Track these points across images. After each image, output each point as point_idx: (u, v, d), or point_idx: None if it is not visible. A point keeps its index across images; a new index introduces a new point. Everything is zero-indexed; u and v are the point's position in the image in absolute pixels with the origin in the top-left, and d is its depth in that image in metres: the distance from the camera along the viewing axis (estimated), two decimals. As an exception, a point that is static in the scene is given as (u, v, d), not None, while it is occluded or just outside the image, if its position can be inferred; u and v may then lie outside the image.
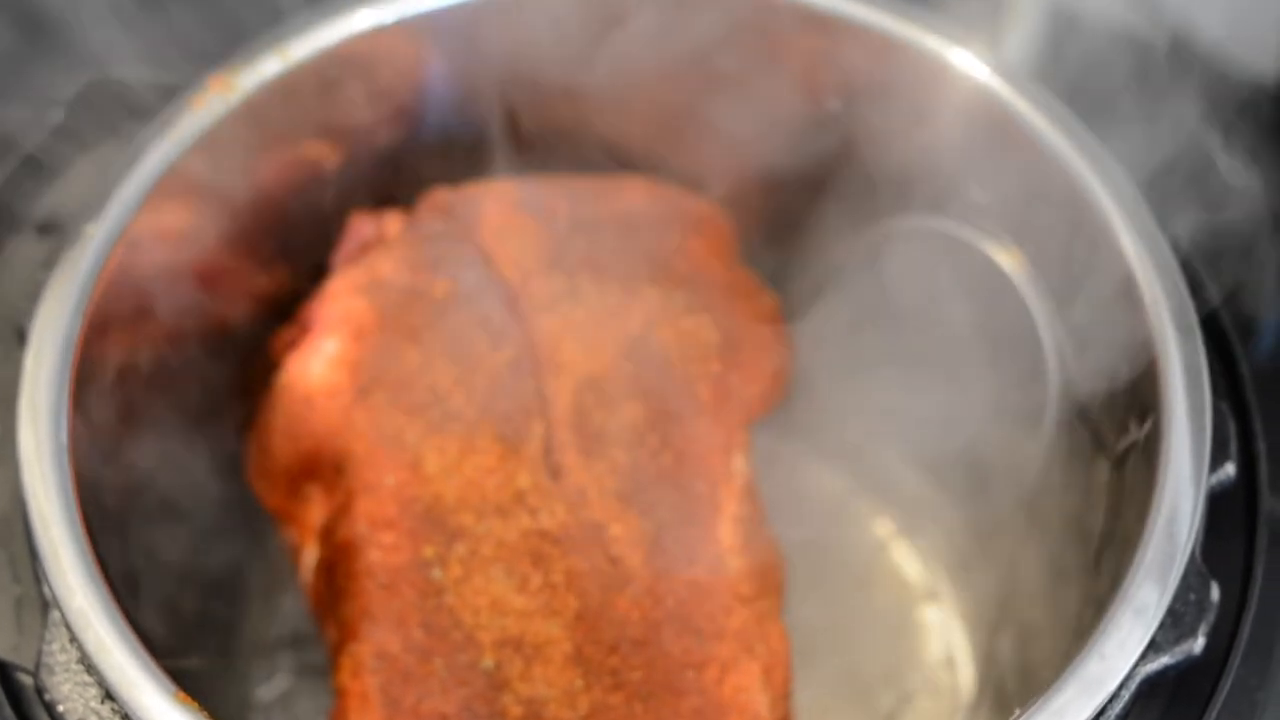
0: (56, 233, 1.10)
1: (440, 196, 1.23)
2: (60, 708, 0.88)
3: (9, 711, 0.90)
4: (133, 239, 1.06)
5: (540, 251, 1.19)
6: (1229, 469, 0.99)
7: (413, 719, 0.99)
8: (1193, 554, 0.93)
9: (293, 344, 1.16)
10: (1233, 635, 0.95)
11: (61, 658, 0.89)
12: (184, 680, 0.88)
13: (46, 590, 0.90)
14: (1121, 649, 0.88)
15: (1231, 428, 1.01)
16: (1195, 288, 1.07)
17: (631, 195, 1.25)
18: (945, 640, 1.33)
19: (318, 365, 1.12)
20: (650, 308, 1.16)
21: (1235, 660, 0.94)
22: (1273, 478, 1.02)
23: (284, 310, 1.21)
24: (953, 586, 1.36)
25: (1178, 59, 1.53)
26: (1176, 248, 1.07)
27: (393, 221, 1.22)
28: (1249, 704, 0.94)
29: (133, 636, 0.88)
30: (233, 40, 1.16)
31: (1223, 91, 1.53)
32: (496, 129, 1.27)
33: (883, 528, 1.40)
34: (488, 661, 1.01)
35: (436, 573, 1.04)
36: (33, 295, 1.03)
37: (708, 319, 1.17)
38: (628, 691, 1.01)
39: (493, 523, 1.06)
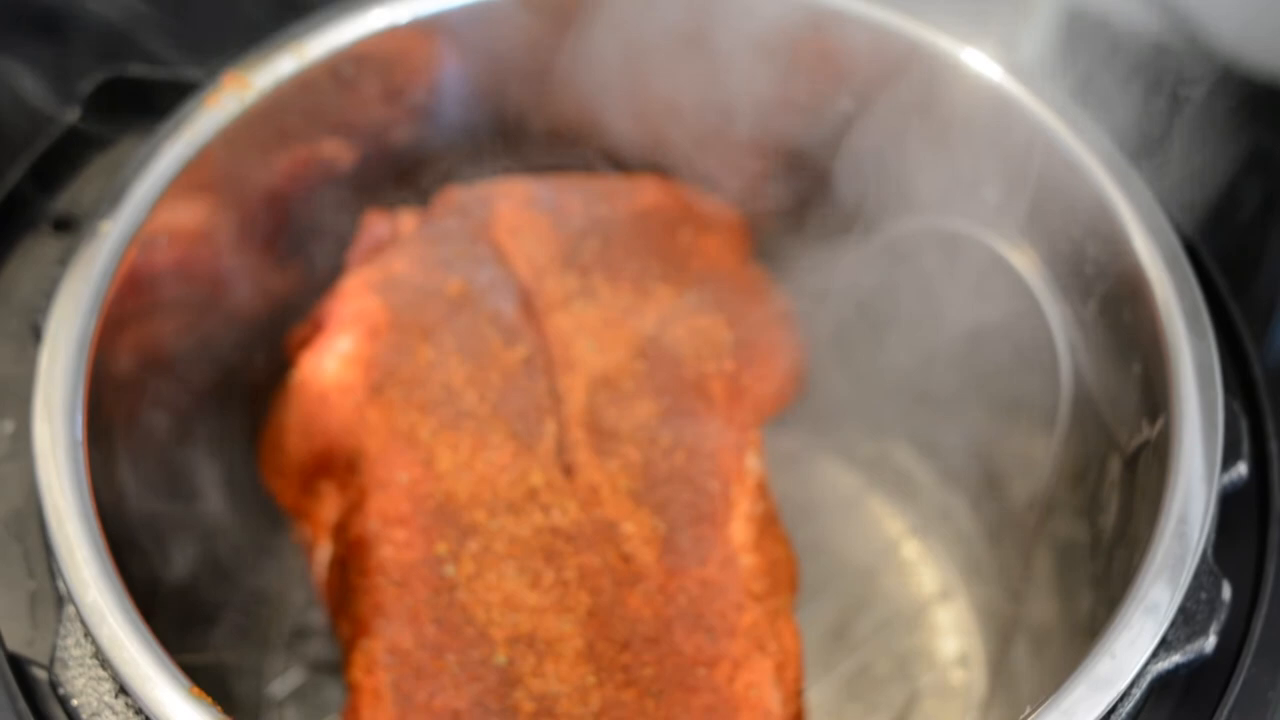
0: (73, 230, 1.10)
1: (454, 195, 1.23)
2: (74, 702, 0.88)
3: (24, 705, 0.90)
4: (148, 237, 1.07)
5: (553, 250, 1.19)
6: (1241, 468, 0.99)
7: (425, 715, 0.99)
8: (1204, 553, 0.92)
9: (307, 341, 1.17)
10: (1244, 634, 0.95)
11: (76, 652, 0.89)
12: (198, 675, 0.88)
13: (61, 585, 0.91)
14: (1132, 647, 0.88)
15: (1244, 427, 1.01)
16: (1208, 286, 1.07)
17: (645, 194, 1.25)
18: (957, 638, 1.33)
19: (332, 363, 1.13)
20: (663, 306, 1.16)
21: (1247, 659, 0.94)
22: (1285, 478, 1.02)
23: (298, 308, 1.22)
24: (965, 585, 1.36)
25: (1192, 58, 1.53)
26: (1189, 246, 1.07)
27: (407, 220, 1.22)
28: (1260, 703, 0.94)
29: (147, 631, 0.88)
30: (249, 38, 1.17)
31: (1238, 90, 1.53)
32: (511, 128, 1.28)
33: (895, 526, 1.40)
34: (500, 657, 1.01)
35: (449, 569, 1.04)
36: (49, 292, 1.03)
37: (720, 318, 1.17)
38: (639, 688, 1.01)
39: (505, 520, 1.06)
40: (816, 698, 1.25)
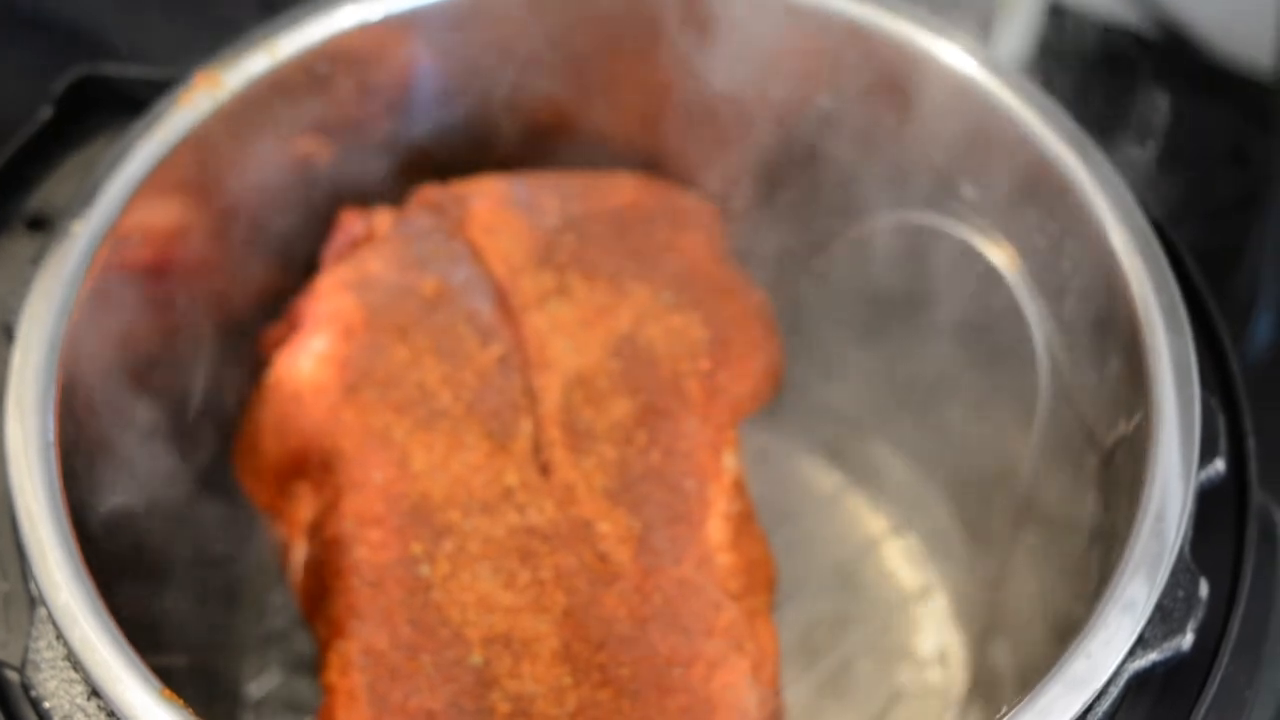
0: (47, 229, 1.10)
1: (430, 193, 1.22)
2: (46, 704, 0.87)
3: (-5, 708, 0.90)
4: (120, 236, 1.06)
5: (529, 248, 1.18)
6: (1218, 465, 0.99)
7: (401, 716, 0.99)
8: (1181, 550, 0.92)
9: (282, 341, 1.16)
10: (1222, 632, 0.94)
11: (48, 654, 0.89)
12: (173, 677, 0.88)
13: (33, 587, 0.90)
14: (1109, 646, 0.87)
15: (1221, 423, 1.01)
16: (1185, 282, 1.07)
17: (622, 191, 1.24)
18: (936, 637, 1.33)
19: (306, 362, 1.12)
20: (639, 305, 1.16)
21: (1224, 657, 0.93)
22: (1262, 474, 1.02)
23: (273, 307, 1.21)
24: (944, 583, 1.35)
25: (1171, 51, 1.53)
26: (1166, 242, 1.07)
27: (382, 218, 1.21)
28: (1238, 701, 0.94)
29: (119, 633, 0.88)
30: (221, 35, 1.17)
31: (1217, 84, 1.53)
32: (486, 125, 1.27)
33: (874, 525, 1.40)
34: (475, 658, 1.01)
35: (424, 569, 1.03)
36: (22, 292, 1.02)
37: (697, 316, 1.16)
38: (615, 688, 1.00)
39: (480, 520, 1.05)
40: (794, 697, 1.25)
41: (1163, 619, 0.91)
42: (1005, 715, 0.85)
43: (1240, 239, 1.47)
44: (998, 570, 1.25)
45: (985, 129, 1.13)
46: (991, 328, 1.18)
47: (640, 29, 1.21)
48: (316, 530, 1.09)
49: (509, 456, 1.08)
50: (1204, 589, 0.92)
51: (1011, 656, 1.24)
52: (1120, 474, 1.01)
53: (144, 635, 0.92)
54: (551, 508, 1.06)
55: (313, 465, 1.10)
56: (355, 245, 1.20)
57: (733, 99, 1.24)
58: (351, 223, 1.21)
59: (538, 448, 1.09)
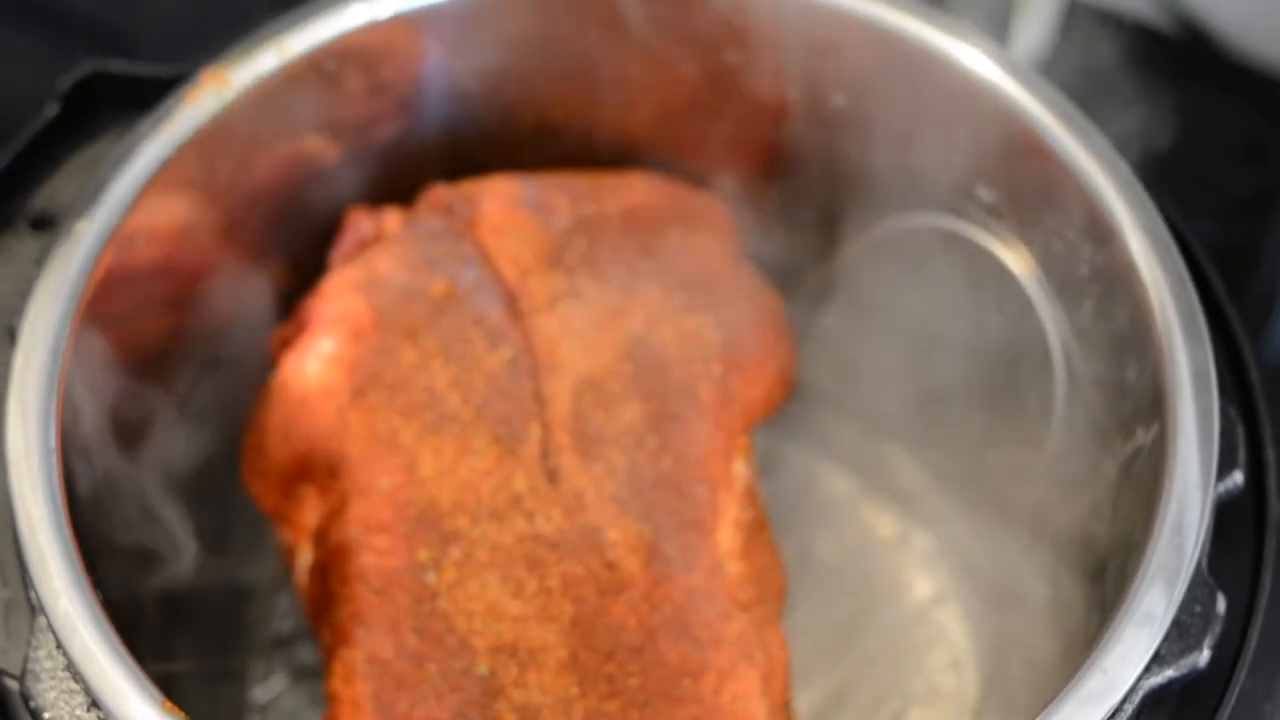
0: (51, 228, 1.09)
1: (439, 193, 1.21)
2: (46, 715, 0.86)
3: (-6, 718, 0.89)
4: (125, 236, 1.05)
5: (540, 249, 1.17)
6: (1237, 477, 0.97)
7: (406, 725, 0.98)
8: (1199, 564, 0.91)
9: (289, 342, 1.15)
10: (1239, 647, 0.93)
11: (48, 664, 0.88)
12: (179, 681, 0.88)
13: (33, 595, 0.89)
14: (1124, 661, 0.86)
15: (1240, 434, 1.00)
16: (1204, 285, 1.06)
17: (633, 191, 1.23)
18: (949, 644, 1.32)
19: (314, 364, 1.11)
20: (651, 307, 1.15)
21: (1241, 673, 0.92)
22: (1281, 486, 1.01)
23: (281, 307, 1.20)
24: (958, 591, 1.34)
25: (1189, 49, 1.52)
26: (1184, 246, 1.05)
27: (391, 218, 1.20)
28: (1255, 715, 0.93)
29: (119, 644, 0.86)
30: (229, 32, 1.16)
31: (1234, 81, 1.52)
32: (496, 124, 1.26)
33: (887, 531, 1.38)
34: (482, 668, 1.00)
35: (430, 577, 1.02)
36: (26, 293, 1.01)
37: (709, 319, 1.15)
38: (624, 699, 0.99)
39: (488, 526, 1.04)
40: (805, 706, 1.24)
41: (1179, 635, 0.89)
42: (1019, 732, 0.84)
43: (1258, 237, 1.46)
44: (1011, 579, 1.24)
45: (1002, 131, 1.12)
46: (1008, 333, 1.17)
47: (652, 27, 1.20)
48: (323, 535, 1.08)
49: (518, 462, 1.07)
50: (1221, 604, 0.91)
51: (1025, 665, 1.23)
52: (1137, 485, 1.00)
53: (148, 640, 0.91)
54: (560, 515, 1.05)
55: (319, 469, 1.09)
56: (364, 245, 1.19)
57: (747, 99, 1.23)
58: (360, 223, 1.20)
59: (546, 453, 1.08)
